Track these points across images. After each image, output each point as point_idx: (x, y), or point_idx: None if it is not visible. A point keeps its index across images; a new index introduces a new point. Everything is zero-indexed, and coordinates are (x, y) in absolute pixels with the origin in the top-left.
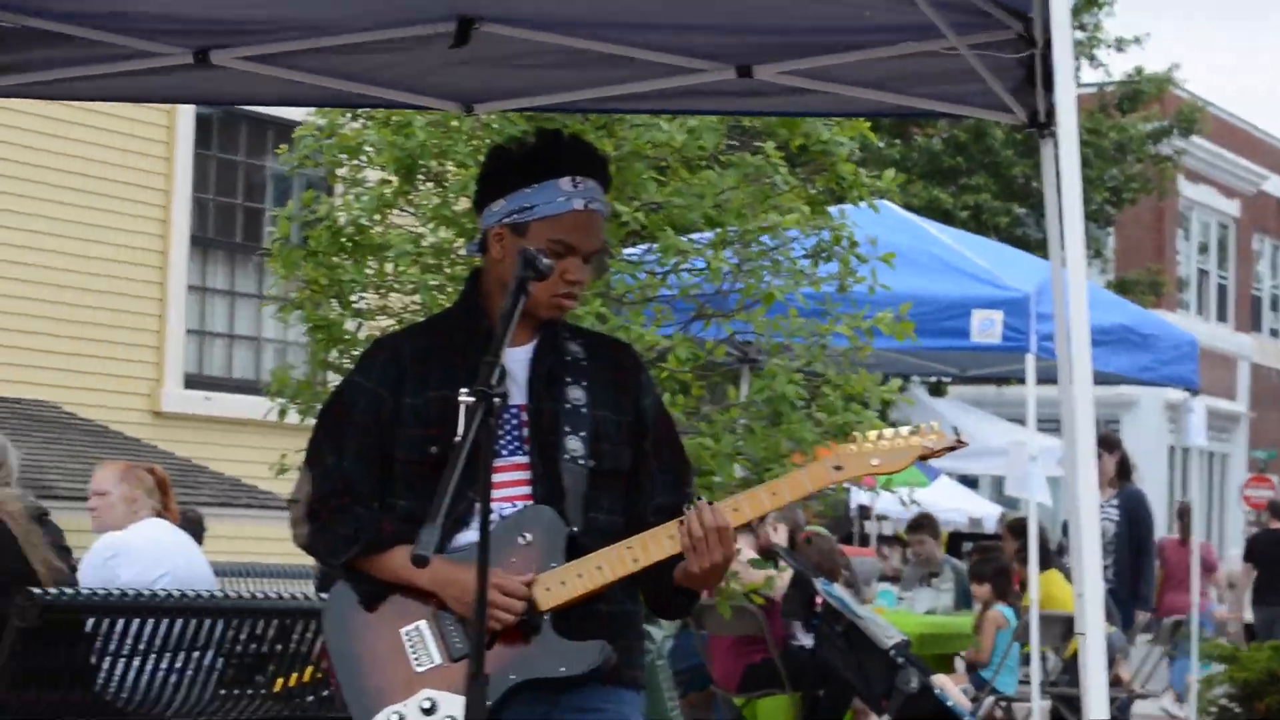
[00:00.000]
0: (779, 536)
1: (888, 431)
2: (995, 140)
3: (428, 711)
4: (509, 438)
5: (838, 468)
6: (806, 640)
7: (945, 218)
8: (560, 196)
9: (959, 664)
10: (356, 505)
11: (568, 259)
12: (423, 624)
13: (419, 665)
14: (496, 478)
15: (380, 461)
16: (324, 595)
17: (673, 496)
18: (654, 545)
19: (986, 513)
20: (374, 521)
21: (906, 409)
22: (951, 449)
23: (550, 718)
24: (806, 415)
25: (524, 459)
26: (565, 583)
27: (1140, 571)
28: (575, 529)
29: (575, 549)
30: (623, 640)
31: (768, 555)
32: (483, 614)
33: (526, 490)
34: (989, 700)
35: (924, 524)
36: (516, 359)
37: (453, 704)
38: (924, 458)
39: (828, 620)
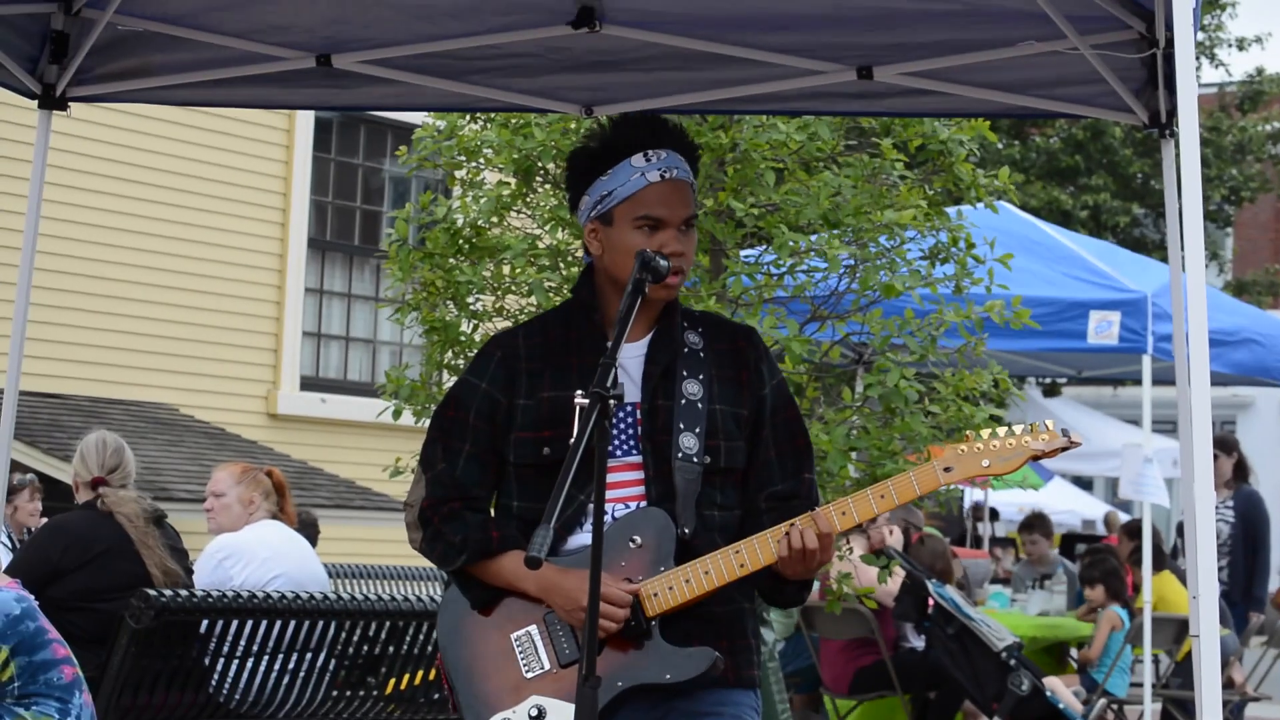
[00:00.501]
0: (894, 539)
1: (1000, 431)
2: (1114, 139)
3: (536, 719)
4: (623, 437)
5: (947, 469)
6: (918, 642)
7: (1064, 218)
8: (634, 174)
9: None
10: (467, 510)
11: (661, 233)
12: (533, 629)
13: (529, 671)
14: (611, 478)
15: (495, 463)
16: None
17: (789, 484)
18: (762, 550)
19: (1099, 514)
20: (482, 529)
21: (1022, 409)
22: (1064, 449)
23: None
24: (920, 409)
25: (638, 458)
26: (673, 588)
27: (1255, 573)
28: (686, 530)
29: (685, 551)
30: (740, 640)
31: (880, 555)
32: (594, 619)
33: (640, 490)
34: (1100, 702)
35: (1035, 524)
36: (631, 355)
37: (561, 711)
38: (1036, 458)
39: (939, 622)
